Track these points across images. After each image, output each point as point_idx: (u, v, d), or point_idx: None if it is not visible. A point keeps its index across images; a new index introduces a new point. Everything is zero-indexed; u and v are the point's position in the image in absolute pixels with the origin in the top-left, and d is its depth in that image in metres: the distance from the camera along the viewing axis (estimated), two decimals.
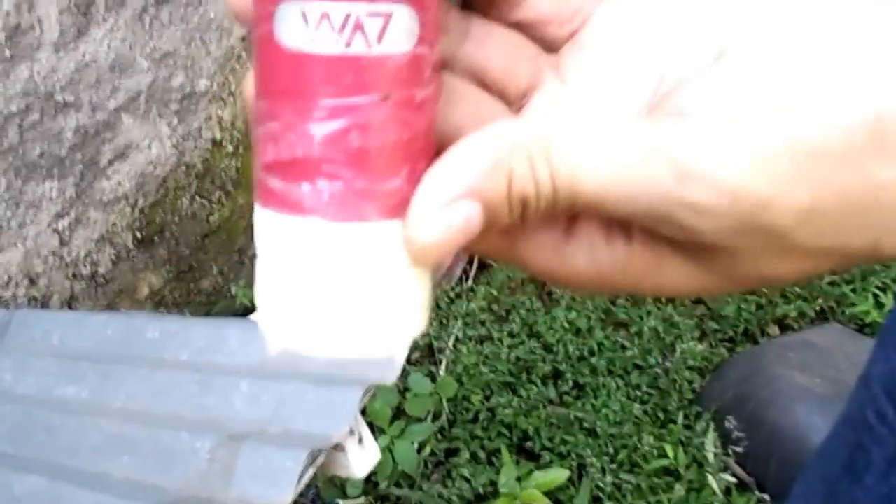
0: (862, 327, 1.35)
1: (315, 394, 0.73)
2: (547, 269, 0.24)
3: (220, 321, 0.94)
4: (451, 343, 1.50)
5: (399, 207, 0.21)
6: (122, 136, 1.29)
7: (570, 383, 1.34)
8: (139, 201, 1.33)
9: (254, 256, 1.40)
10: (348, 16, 0.20)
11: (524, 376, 1.37)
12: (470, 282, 1.67)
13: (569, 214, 0.23)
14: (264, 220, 0.22)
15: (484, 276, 1.66)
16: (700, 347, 1.34)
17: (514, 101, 0.26)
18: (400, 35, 0.20)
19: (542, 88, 0.26)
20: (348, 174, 0.20)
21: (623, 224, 0.23)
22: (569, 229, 0.24)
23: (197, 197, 1.42)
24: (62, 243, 1.25)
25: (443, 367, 1.46)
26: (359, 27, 0.20)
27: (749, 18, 0.23)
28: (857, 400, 0.62)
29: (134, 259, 1.35)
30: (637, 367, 1.34)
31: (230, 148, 1.45)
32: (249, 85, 0.23)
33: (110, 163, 1.28)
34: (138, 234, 1.35)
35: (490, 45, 0.26)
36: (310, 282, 0.21)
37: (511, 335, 1.44)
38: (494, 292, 1.54)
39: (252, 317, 0.82)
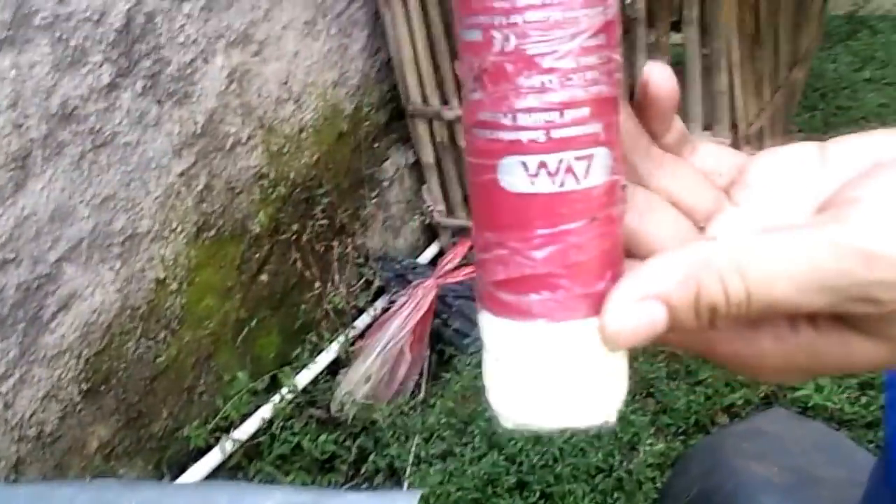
0: (804, 409, 1.43)
1: None
2: (733, 354, 0.27)
3: (202, 486, 0.92)
4: (410, 460, 1.49)
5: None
6: (64, 286, 1.25)
7: (537, 493, 1.35)
8: (84, 352, 1.29)
9: (202, 394, 1.36)
10: (561, 161, 0.25)
11: (489, 490, 1.38)
12: (422, 394, 1.67)
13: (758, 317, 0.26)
14: (496, 327, 0.26)
15: (437, 388, 1.67)
16: (659, 446, 1.38)
17: (698, 222, 0.30)
18: (600, 170, 0.25)
19: (723, 213, 0.30)
20: (567, 283, 0.25)
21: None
22: (753, 320, 0.26)
23: (143, 339, 1.38)
24: (6, 406, 1.18)
25: (405, 486, 1.45)
26: (569, 170, 0.25)
27: None
28: None
29: (80, 412, 1.29)
30: (600, 470, 1.37)
31: (174, 285, 1.43)
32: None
33: (53, 316, 1.24)
34: (84, 386, 1.29)
35: (679, 175, 0.30)
36: (539, 370, 0.26)
37: (473, 448, 1.44)
38: (450, 403, 1.55)
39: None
